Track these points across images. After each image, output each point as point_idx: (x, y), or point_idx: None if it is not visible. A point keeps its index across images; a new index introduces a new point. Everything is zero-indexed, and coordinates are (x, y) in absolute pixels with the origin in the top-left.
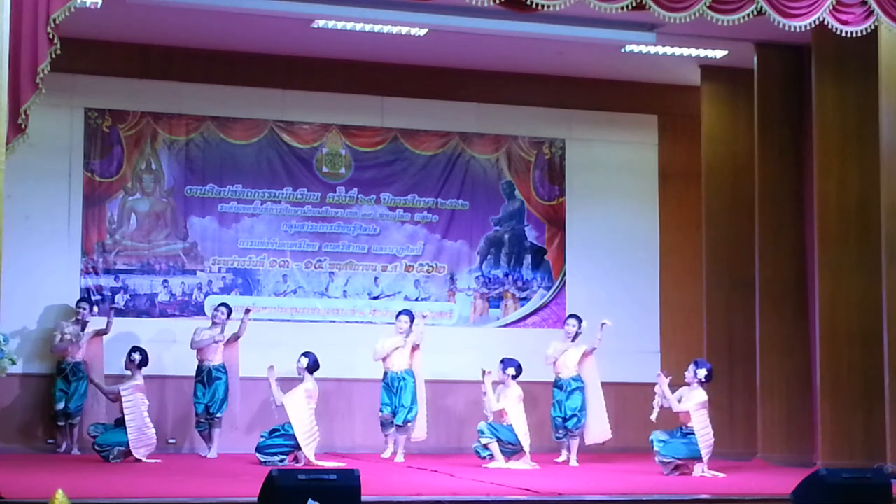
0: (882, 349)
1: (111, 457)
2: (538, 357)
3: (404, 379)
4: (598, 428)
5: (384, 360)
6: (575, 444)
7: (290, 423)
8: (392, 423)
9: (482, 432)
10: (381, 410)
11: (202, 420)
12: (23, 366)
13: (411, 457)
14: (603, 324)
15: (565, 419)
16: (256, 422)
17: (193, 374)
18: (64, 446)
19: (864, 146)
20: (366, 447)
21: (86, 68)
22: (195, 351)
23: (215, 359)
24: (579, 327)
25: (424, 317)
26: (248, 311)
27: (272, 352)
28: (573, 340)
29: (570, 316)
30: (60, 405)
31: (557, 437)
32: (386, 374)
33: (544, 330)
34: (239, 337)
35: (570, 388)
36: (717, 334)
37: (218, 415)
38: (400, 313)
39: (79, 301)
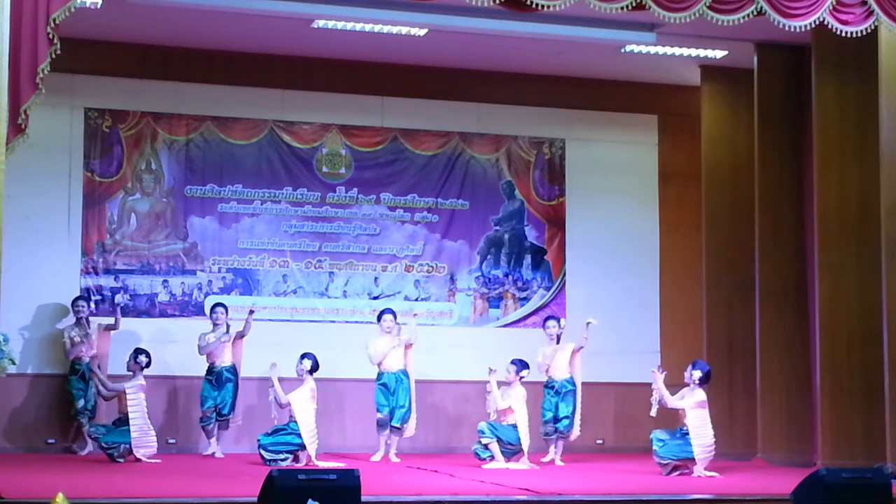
0: (882, 349)
1: (116, 455)
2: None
3: (401, 380)
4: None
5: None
6: (561, 443)
7: (294, 422)
8: (389, 423)
9: (483, 432)
10: (380, 411)
11: (209, 415)
12: (22, 366)
13: (407, 457)
14: (588, 322)
15: (557, 420)
16: (255, 421)
17: (193, 374)
18: (87, 447)
19: (864, 146)
20: (367, 447)
21: (86, 68)
22: (204, 356)
23: (225, 359)
24: (559, 327)
25: (415, 315)
26: (251, 311)
27: (272, 352)
28: (557, 342)
29: (549, 318)
30: (80, 402)
31: (546, 435)
32: (381, 374)
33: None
34: (244, 336)
35: (564, 389)
36: (717, 334)
37: (228, 416)
38: (383, 312)
39: (76, 300)
